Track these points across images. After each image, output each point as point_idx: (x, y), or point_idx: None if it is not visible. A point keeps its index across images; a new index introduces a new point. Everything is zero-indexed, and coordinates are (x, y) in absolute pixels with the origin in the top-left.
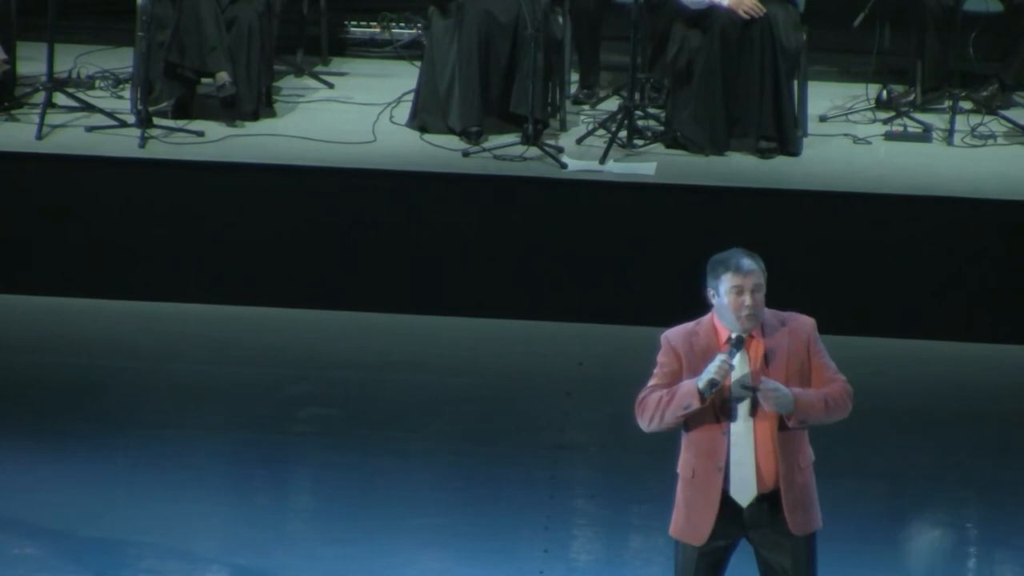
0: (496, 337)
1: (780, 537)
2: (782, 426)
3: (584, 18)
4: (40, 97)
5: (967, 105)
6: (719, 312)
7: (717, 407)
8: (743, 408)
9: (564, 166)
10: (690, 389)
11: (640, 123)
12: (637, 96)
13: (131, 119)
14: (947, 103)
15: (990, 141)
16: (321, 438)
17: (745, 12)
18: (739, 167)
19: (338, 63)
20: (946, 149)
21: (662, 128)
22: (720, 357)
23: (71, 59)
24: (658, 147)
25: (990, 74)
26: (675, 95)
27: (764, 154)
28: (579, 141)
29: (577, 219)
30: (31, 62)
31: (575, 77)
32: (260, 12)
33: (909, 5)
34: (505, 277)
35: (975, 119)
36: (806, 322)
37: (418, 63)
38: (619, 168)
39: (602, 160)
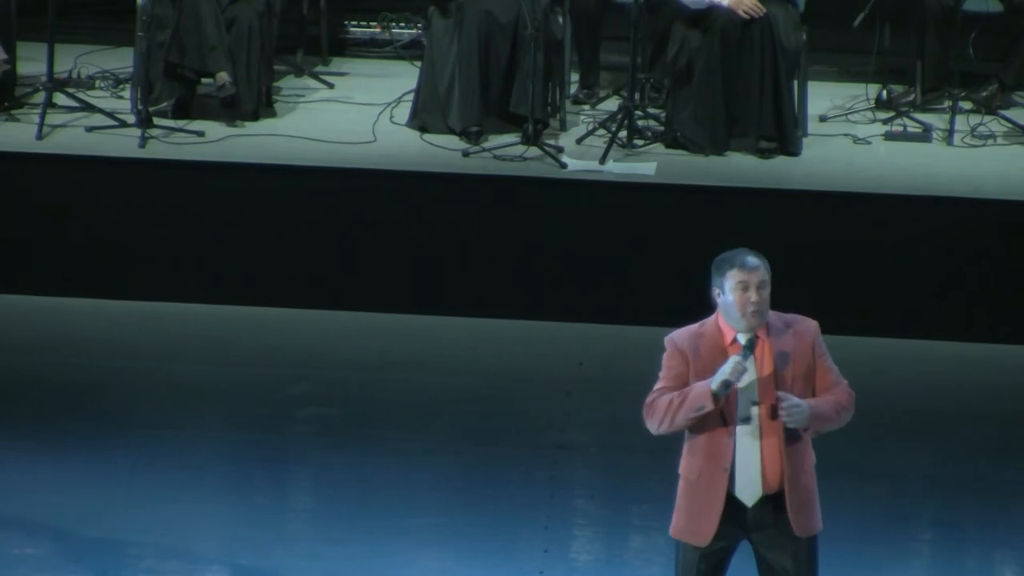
0: (496, 337)
1: (782, 538)
2: (787, 427)
3: (584, 18)
4: (40, 97)
5: (967, 105)
6: (724, 311)
7: (723, 409)
8: (749, 410)
9: (564, 166)
10: (703, 391)
11: (640, 123)
12: (637, 96)
13: (131, 119)
14: (947, 103)
15: (990, 141)
16: (321, 438)
17: (745, 12)
18: (739, 167)
19: (338, 63)
20: (946, 149)
21: (662, 128)
22: (734, 358)
23: (71, 59)
24: (658, 147)
25: (990, 74)
26: (675, 95)
27: (764, 154)
28: (579, 141)
29: (577, 219)
30: (31, 62)
31: (575, 77)
32: (260, 12)
33: (909, 5)
34: (505, 277)
35: (975, 119)
36: (810, 325)
37: (418, 63)
38: (619, 168)
39: (602, 160)
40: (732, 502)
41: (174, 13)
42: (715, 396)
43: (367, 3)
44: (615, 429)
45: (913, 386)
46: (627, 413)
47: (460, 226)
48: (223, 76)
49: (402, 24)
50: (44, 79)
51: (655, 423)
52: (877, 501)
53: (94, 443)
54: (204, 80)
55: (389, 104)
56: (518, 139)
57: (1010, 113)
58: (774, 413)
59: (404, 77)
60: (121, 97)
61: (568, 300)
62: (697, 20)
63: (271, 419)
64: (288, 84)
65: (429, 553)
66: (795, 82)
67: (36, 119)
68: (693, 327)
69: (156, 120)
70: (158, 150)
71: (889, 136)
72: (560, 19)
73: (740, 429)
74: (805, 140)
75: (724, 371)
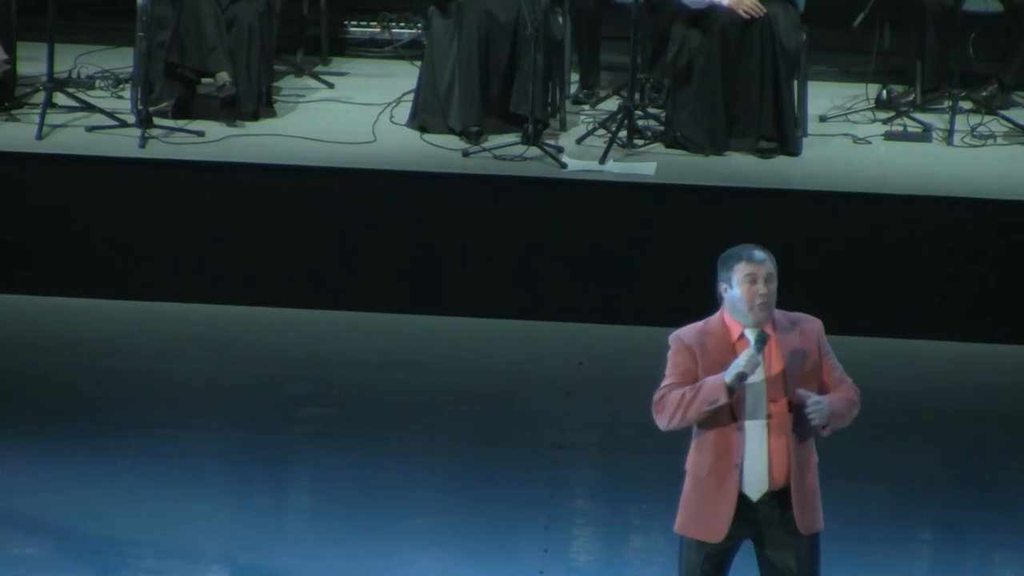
0: (496, 337)
1: (786, 536)
2: (795, 425)
3: (584, 18)
4: (40, 97)
5: (967, 105)
6: (731, 306)
7: (732, 405)
8: (758, 406)
9: (564, 166)
10: (716, 384)
11: (640, 123)
12: (637, 96)
13: (131, 119)
14: (947, 103)
15: (990, 141)
16: (321, 438)
17: (745, 12)
18: (739, 167)
19: (338, 63)
20: (946, 149)
21: (662, 128)
22: (747, 351)
23: (71, 59)
24: (658, 147)
25: (990, 74)
26: (675, 95)
27: (764, 154)
28: (579, 141)
29: (577, 219)
30: (31, 62)
31: (575, 77)
32: (260, 12)
33: (909, 5)
34: (505, 277)
35: (975, 119)
36: (816, 323)
37: (418, 63)
38: (619, 168)
39: (602, 160)
40: (739, 498)
41: (174, 13)
42: (729, 389)
43: (367, 3)
44: (615, 429)
45: (913, 386)
46: (627, 413)
47: (460, 226)
48: (223, 76)
49: (402, 24)
50: (44, 79)
51: (665, 418)
52: (877, 501)
53: (94, 443)
54: (204, 80)
55: (389, 104)
56: (518, 139)
57: (1010, 113)
58: (792, 408)
59: (404, 77)
60: (121, 97)
61: (568, 300)
62: (697, 20)
63: (271, 419)
64: (288, 84)
65: (429, 553)
66: (795, 82)
67: (36, 119)
68: (698, 324)
69: (156, 120)
70: (158, 150)
71: (889, 136)
72: (560, 19)
73: (749, 425)
74: (805, 140)
75: (738, 364)
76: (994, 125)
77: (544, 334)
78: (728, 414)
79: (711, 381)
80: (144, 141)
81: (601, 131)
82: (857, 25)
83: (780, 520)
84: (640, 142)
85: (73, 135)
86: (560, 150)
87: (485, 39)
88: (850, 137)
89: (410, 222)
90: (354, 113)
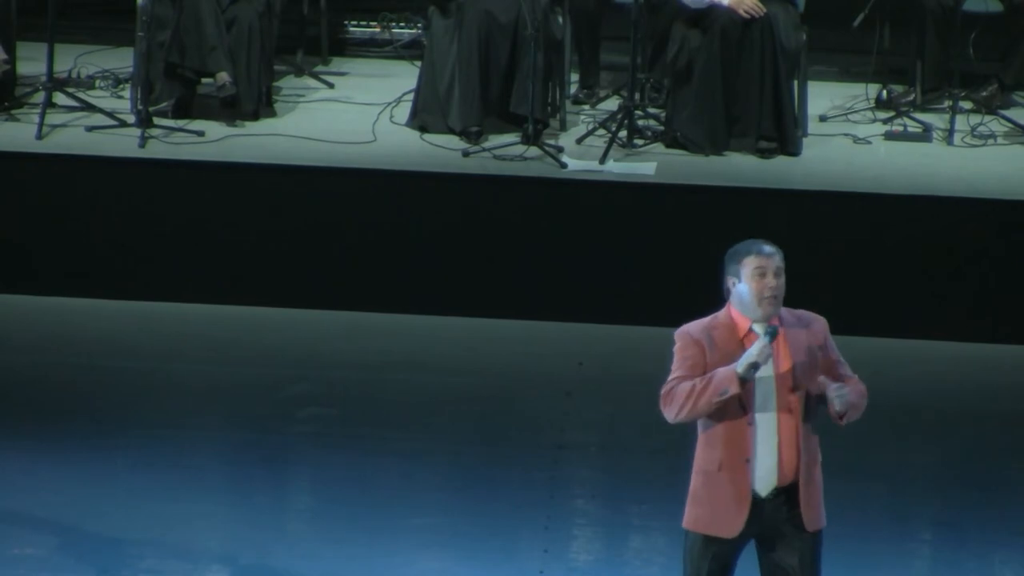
0: (496, 337)
1: (791, 535)
2: (804, 420)
3: (584, 18)
4: (40, 97)
5: (967, 105)
6: (739, 301)
7: (742, 400)
8: (768, 401)
9: (564, 166)
10: (728, 375)
11: (640, 123)
12: (637, 96)
13: (131, 119)
14: (947, 103)
15: (990, 141)
16: (321, 438)
17: (745, 12)
18: (739, 167)
19: (338, 63)
20: (946, 149)
21: (662, 128)
22: (759, 342)
23: (71, 59)
24: (658, 147)
25: (990, 74)
26: (675, 95)
27: (764, 154)
28: (579, 141)
29: (577, 219)
30: (31, 62)
31: (575, 77)
32: (260, 12)
33: (909, 5)
34: (505, 277)
35: (975, 119)
36: (821, 321)
37: (418, 63)
38: (619, 168)
39: (602, 160)
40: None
41: (174, 13)
42: (742, 379)
43: (367, 3)
44: (615, 429)
45: (913, 386)
46: (627, 413)
47: (460, 226)
48: (223, 76)
49: (402, 24)
50: (44, 79)
51: (674, 410)
52: (877, 501)
53: (94, 443)
54: (204, 80)
55: (389, 104)
56: (518, 139)
57: (1010, 113)
58: (802, 403)
59: (404, 77)
60: (121, 97)
61: (568, 300)
62: (697, 20)
63: (271, 419)
64: (288, 84)
65: (429, 553)
66: (795, 82)
67: (36, 119)
68: (704, 320)
69: (156, 120)
70: (158, 150)
71: (889, 136)
72: (560, 19)
73: (760, 419)
74: (805, 140)
75: (751, 354)
76: (994, 125)
77: (544, 334)
78: (738, 408)
79: (722, 372)
80: (144, 141)
81: (601, 131)
82: (857, 25)
83: (787, 518)
84: (640, 142)
85: (73, 135)
86: (560, 150)
87: (485, 39)
88: (850, 137)
89: (410, 222)
90: (354, 113)
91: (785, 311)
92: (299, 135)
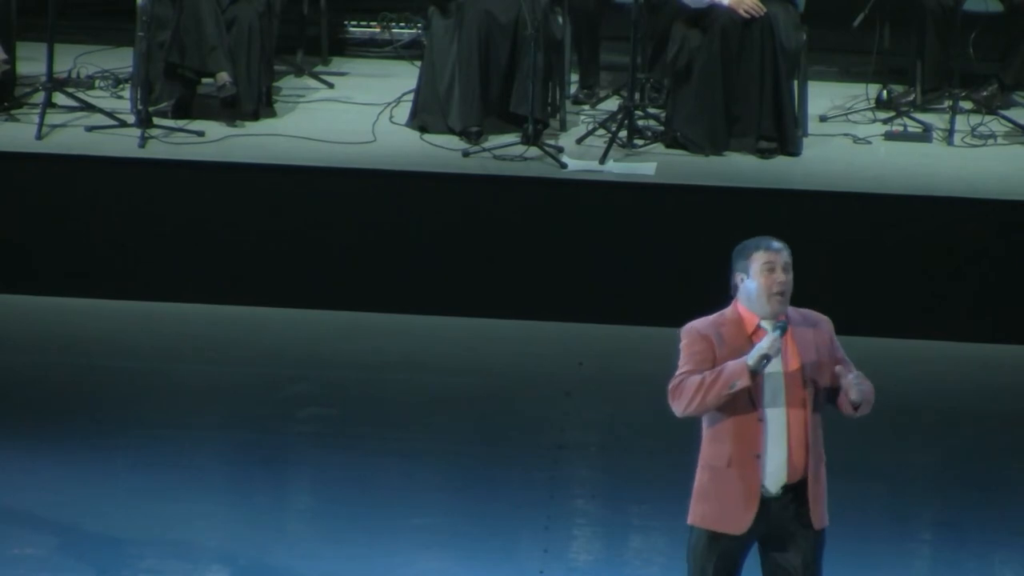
0: (496, 337)
1: (796, 533)
2: (812, 417)
3: (584, 18)
4: (40, 97)
5: (967, 105)
6: (747, 297)
7: (752, 395)
8: (777, 397)
9: (564, 166)
10: (738, 367)
11: (640, 123)
12: (637, 96)
13: (131, 119)
14: (947, 103)
15: (990, 141)
16: (321, 438)
17: (745, 11)
18: (739, 167)
19: (338, 63)
20: (946, 149)
21: (662, 128)
22: (770, 335)
23: (71, 59)
24: (658, 147)
25: (990, 74)
26: (675, 95)
27: (764, 154)
28: (579, 141)
29: (577, 219)
30: (31, 62)
31: (575, 77)
32: (260, 12)
33: (909, 5)
34: (505, 277)
35: (975, 119)
36: (827, 320)
37: (418, 63)
38: (619, 168)
39: (602, 160)
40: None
41: (174, 13)
42: (752, 372)
43: (367, 3)
44: (615, 429)
45: (913, 386)
46: (627, 413)
47: (460, 226)
48: (223, 76)
49: (402, 24)
50: (44, 79)
51: (682, 404)
52: (877, 501)
53: (94, 443)
54: (204, 80)
55: (389, 104)
56: (518, 139)
57: (1010, 113)
58: (813, 400)
59: (404, 77)
60: (121, 97)
61: (568, 300)
62: (697, 20)
63: (271, 419)
64: (288, 84)
65: (429, 553)
66: (795, 82)
67: (36, 119)
68: (710, 317)
69: (156, 120)
70: (158, 150)
71: (889, 136)
72: (560, 19)
73: (770, 415)
74: (805, 140)
75: (761, 347)
76: (994, 125)
77: (544, 334)
78: (747, 404)
79: (733, 364)
80: (144, 141)
81: (601, 131)
82: (857, 25)
83: (794, 516)
84: (640, 142)
85: (73, 135)
86: (560, 150)
87: (485, 39)
88: (850, 137)
89: (410, 222)
90: (354, 113)
91: (791, 310)
92: (299, 135)
